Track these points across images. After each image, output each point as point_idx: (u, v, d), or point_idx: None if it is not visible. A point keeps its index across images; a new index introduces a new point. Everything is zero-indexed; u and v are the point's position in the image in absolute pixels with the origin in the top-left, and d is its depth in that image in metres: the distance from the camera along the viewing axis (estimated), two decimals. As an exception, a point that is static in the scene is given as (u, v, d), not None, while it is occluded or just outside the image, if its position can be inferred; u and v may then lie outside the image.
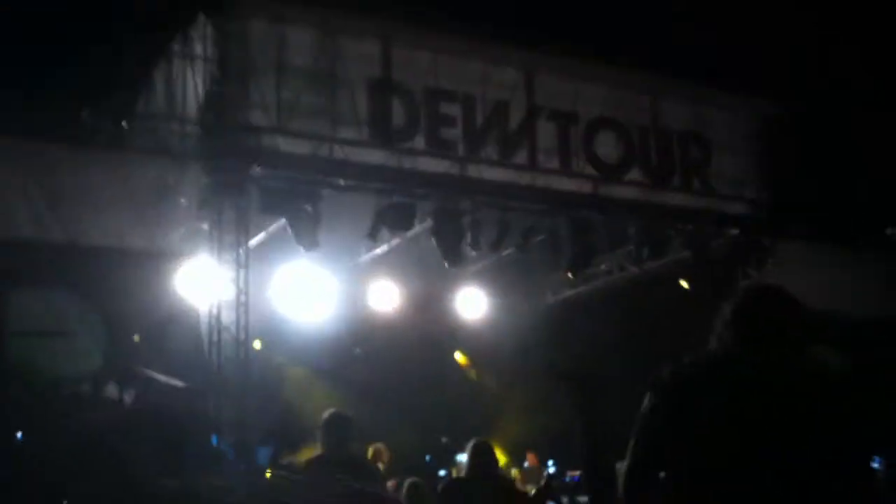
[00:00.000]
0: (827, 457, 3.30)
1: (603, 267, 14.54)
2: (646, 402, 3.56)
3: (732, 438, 3.33)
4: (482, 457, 8.26)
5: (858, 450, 3.42)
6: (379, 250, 13.22)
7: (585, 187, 12.44)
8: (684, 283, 13.52)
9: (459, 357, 17.05)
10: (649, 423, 3.53)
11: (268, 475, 10.20)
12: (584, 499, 13.64)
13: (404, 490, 9.82)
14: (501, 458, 13.56)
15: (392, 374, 15.20)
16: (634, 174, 12.69)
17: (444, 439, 14.45)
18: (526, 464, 15.13)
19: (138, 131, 10.93)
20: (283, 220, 11.36)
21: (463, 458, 10.93)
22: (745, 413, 3.34)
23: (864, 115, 12.76)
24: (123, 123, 10.82)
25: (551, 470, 16.33)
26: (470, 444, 8.39)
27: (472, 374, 17.01)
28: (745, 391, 3.40)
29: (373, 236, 12.16)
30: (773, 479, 3.24)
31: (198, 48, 10.92)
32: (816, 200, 12.91)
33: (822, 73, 12.04)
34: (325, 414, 7.87)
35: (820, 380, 3.49)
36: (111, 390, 12.20)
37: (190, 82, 10.92)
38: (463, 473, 8.20)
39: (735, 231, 13.33)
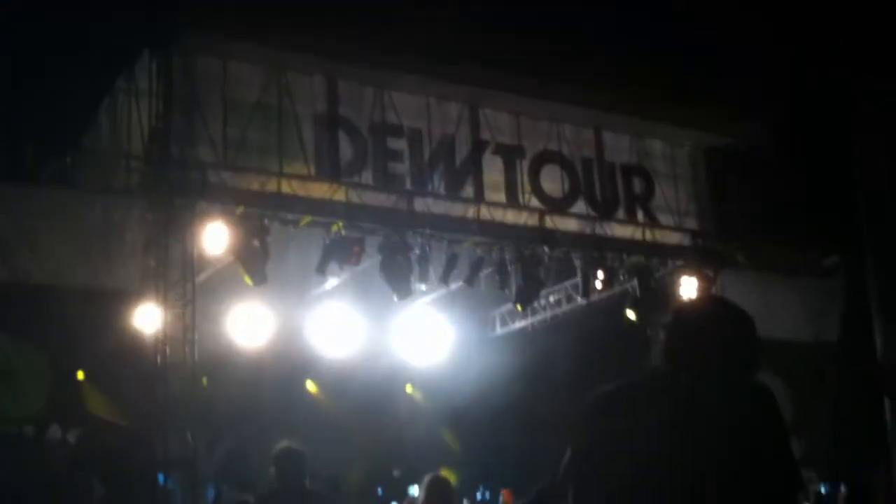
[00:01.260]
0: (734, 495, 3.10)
1: (551, 299, 14.63)
2: (572, 432, 3.39)
3: (641, 470, 3.13)
4: (439, 492, 8.19)
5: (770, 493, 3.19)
6: (328, 285, 13.19)
7: (532, 220, 12.57)
8: (631, 314, 13.66)
9: (409, 389, 17.02)
10: (573, 454, 3.35)
11: None
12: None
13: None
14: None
15: (343, 407, 15.14)
16: (580, 206, 12.84)
17: (395, 472, 14.39)
18: (501, 500, 15.04)
19: (83, 168, 10.83)
20: (230, 256, 11.29)
21: (415, 490, 10.91)
22: (654, 443, 3.13)
23: (805, 145, 13.05)
24: (68, 160, 10.71)
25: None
26: (426, 479, 8.34)
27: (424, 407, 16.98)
28: (660, 418, 3.16)
29: (321, 270, 12.15)
30: None
31: (143, 83, 10.88)
32: (757, 230, 13.14)
33: (762, 105, 12.29)
34: (277, 448, 7.77)
35: (747, 411, 3.22)
36: (55, 431, 12.01)
37: (135, 118, 10.87)
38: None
39: (679, 262, 13.52)
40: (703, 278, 13.41)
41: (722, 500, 3.09)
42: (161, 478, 10.90)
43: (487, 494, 18.32)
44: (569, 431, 3.42)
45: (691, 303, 3.57)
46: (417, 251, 12.16)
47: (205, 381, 14.31)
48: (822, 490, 13.05)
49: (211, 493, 12.86)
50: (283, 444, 7.73)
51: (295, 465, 7.58)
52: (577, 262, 13.32)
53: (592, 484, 3.30)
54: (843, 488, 10.28)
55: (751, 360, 3.29)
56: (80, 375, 12.84)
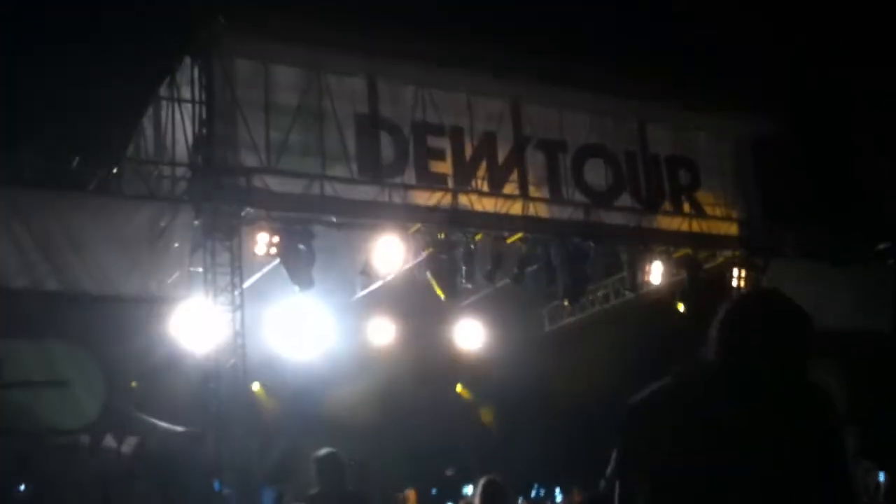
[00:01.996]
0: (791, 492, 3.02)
1: (599, 294, 14.52)
2: (619, 435, 3.29)
3: (694, 470, 3.04)
4: (493, 495, 8.15)
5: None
6: (374, 286, 13.19)
7: (577, 215, 12.48)
8: (680, 306, 13.50)
9: (460, 389, 16.99)
10: (620, 459, 3.26)
11: None
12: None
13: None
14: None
15: (394, 408, 15.13)
16: (625, 200, 12.72)
17: (448, 471, 14.36)
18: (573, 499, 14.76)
19: (128, 176, 10.93)
20: (277, 260, 11.33)
21: (469, 490, 10.87)
22: (708, 441, 3.04)
23: (853, 131, 12.82)
24: (114, 169, 10.82)
25: (559, 499, 16.25)
26: (481, 481, 8.28)
27: (475, 406, 16.93)
28: (714, 416, 3.07)
29: (367, 272, 12.17)
30: None
31: (185, 91, 10.97)
32: (806, 218, 12.92)
33: (807, 92, 12.11)
34: (318, 453, 7.83)
35: (803, 409, 3.13)
36: (109, 439, 12.13)
37: (179, 126, 10.96)
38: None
39: (727, 252, 13.33)
40: (751, 268, 13.22)
41: (774, 496, 3.02)
42: (217, 484, 10.97)
43: (542, 492, 18.24)
44: (615, 435, 3.32)
45: (745, 296, 3.45)
46: (463, 249, 12.13)
47: (256, 386, 14.46)
48: (881, 479, 12.79)
49: (268, 497, 12.90)
50: (323, 451, 7.81)
51: (335, 467, 7.68)
52: (624, 256, 13.20)
53: (639, 488, 3.24)
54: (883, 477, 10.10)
55: (805, 355, 3.20)
56: (133, 384, 12.99)
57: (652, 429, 3.20)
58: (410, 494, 12.12)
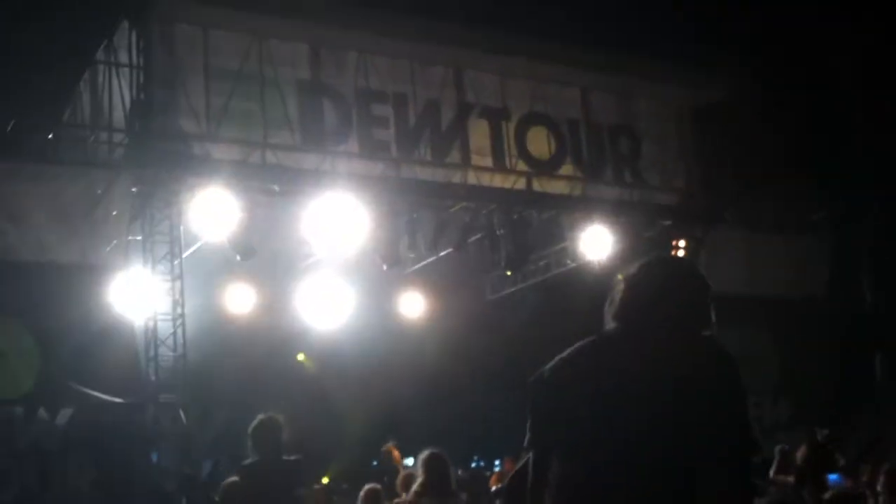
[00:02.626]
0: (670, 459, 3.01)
1: (541, 263, 14.58)
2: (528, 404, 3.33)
3: (582, 432, 3.09)
4: (437, 469, 8.14)
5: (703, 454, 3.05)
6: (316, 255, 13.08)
7: (519, 183, 12.49)
8: (620, 276, 13.59)
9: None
10: (530, 430, 3.31)
11: None
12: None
13: (361, 495, 9.73)
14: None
15: (334, 378, 15.08)
16: (567, 168, 12.77)
17: (388, 443, 14.32)
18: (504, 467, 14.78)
19: (65, 143, 10.68)
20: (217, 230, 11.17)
21: (410, 461, 10.88)
22: (601, 405, 3.06)
23: (791, 101, 13.01)
24: (49, 135, 10.56)
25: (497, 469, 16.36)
26: (422, 455, 8.27)
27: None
28: (599, 379, 3.10)
29: (311, 242, 12.08)
30: (612, 476, 3.02)
31: (123, 56, 10.73)
32: (745, 187, 13.11)
33: (750, 59, 12.24)
34: (256, 420, 7.72)
35: (697, 370, 3.09)
36: (43, 412, 11.90)
37: (116, 91, 10.72)
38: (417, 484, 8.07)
39: (667, 221, 13.47)
40: (690, 238, 13.39)
41: (670, 459, 3.02)
42: (154, 456, 10.85)
43: (482, 463, 18.35)
44: (527, 403, 3.36)
45: (642, 263, 3.47)
46: (406, 219, 12.09)
47: (194, 356, 14.27)
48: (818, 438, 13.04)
49: (207, 468, 12.80)
50: (260, 416, 7.68)
51: (270, 435, 7.52)
52: (566, 225, 13.27)
53: (548, 452, 3.25)
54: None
55: (702, 318, 3.24)
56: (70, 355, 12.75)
57: (556, 397, 3.24)
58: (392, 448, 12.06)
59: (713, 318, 3.26)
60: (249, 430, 7.44)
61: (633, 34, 11.73)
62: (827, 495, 6.50)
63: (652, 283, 3.27)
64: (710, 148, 13.16)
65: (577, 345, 3.29)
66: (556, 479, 3.22)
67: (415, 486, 7.83)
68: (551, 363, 3.29)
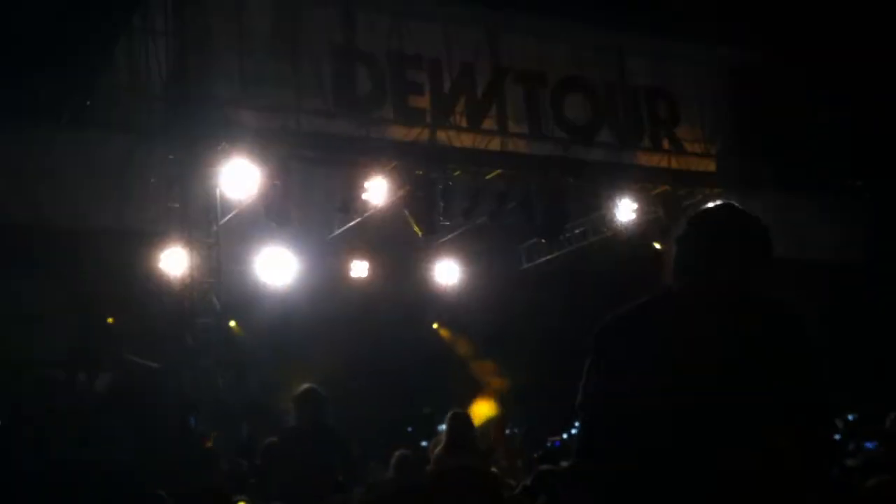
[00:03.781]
0: (750, 408, 2.96)
1: (577, 231, 14.48)
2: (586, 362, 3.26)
3: (651, 389, 3.00)
4: (459, 427, 8.18)
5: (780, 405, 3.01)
6: (352, 223, 13.09)
7: (556, 151, 12.37)
8: (658, 245, 13.50)
9: (437, 327, 17.01)
10: (587, 382, 3.23)
11: None
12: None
13: (393, 461, 9.79)
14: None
15: (371, 346, 15.14)
16: (604, 135, 12.62)
17: (426, 409, 14.41)
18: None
19: (102, 108, 10.73)
20: (253, 196, 11.21)
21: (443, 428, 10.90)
22: (661, 362, 2.99)
23: (830, 67, 12.75)
24: (87, 101, 10.62)
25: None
26: (448, 415, 8.32)
27: (453, 343, 16.97)
28: (664, 337, 3.03)
29: (345, 209, 12.08)
30: (690, 432, 2.95)
31: (158, 21, 10.74)
32: (783, 150, 12.89)
33: (788, 21, 11.99)
34: (299, 389, 7.86)
35: (755, 326, 3.05)
36: (82, 376, 12.07)
37: (152, 57, 10.74)
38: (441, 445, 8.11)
39: (706, 189, 13.29)
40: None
41: (738, 416, 2.97)
42: (192, 420, 10.95)
43: (516, 430, 18.36)
44: (587, 356, 3.28)
45: (703, 213, 3.32)
46: (441, 186, 12.04)
47: (233, 323, 14.41)
48: (850, 417, 12.89)
49: (244, 432, 12.92)
50: (304, 386, 7.82)
51: (312, 406, 7.70)
52: (603, 193, 13.15)
53: (607, 408, 3.21)
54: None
55: (766, 269, 3.13)
56: (110, 320, 12.92)
57: (614, 353, 3.17)
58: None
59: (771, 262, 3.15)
60: (293, 397, 7.61)
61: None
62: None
63: (708, 235, 3.16)
64: (747, 110, 12.92)
65: (635, 303, 3.22)
66: (620, 440, 3.15)
67: (437, 449, 7.90)
68: (608, 320, 3.22)
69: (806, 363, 3.08)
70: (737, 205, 3.31)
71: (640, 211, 13.01)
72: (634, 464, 3.06)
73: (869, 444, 9.62)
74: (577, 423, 3.40)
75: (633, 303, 3.23)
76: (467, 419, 8.43)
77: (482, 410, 16.20)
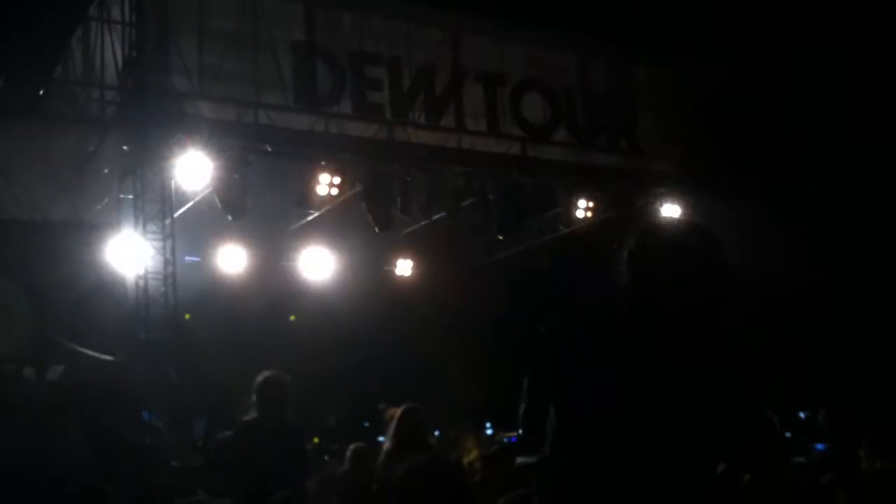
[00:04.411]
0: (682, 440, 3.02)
1: (534, 228, 14.56)
2: (529, 364, 3.33)
3: (592, 404, 3.06)
4: (408, 421, 8.14)
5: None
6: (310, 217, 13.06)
7: (513, 149, 12.45)
8: (613, 244, 13.59)
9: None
10: (529, 387, 3.31)
11: None
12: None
13: (348, 455, 9.78)
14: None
15: (327, 341, 15.11)
16: (561, 135, 12.71)
17: (380, 405, 14.38)
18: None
19: (56, 99, 10.60)
20: (209, 189, 11.15)
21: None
22: (609, 378, 3.03)
23: (788, 69, 12.90)
24: (40, 91, 10.48)
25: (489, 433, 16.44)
26: (400, 410, 8.28)
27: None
28: (625, 349, 3.06)
29: (302, 203, 12.05)
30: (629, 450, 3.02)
31: (115, 13, 10.62)
32: (741, 156, 13.03)
33: (745, 31, 12.12)
34: (260, 377, 7.64)
35: (712, 352, 3.09)
36: (30, 369, 11.90)
37: (109, 48, 10.63)
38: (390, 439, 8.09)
39: (660, 189, 13.44)
40: (683, 206, 13.35)
41: (672, 441, 3.02)
42: (146, 414, 10.86)
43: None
44: (527, 363, 3.33)
45: (657, 228, 3.41)
46: (399, 182, 12.05)
47: (187, 316, 14.29)
48: (801, 416, 13.10)
49: (200, 428, 12.85)
50: (265, 373, 7.60)
51: (276, 394, 7.46)
52: (559, 191, 13.25)
53: (546, 416, 3.27)
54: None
55: (720, 292, 3.14)
56: (63, 314, 12.74)
57: (562, 358, 3.19)
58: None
59: (726, 279, 3.14)
60: (254, 385, 7.37)
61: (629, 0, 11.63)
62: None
63: (660, 250, 3.16)
64: (706, 116, 13.06)
65: (587, 308, 3.25)
66: (559, 435, 3.22)
67: (386, 443, 7.79)
68: (556, 322, 3.24)
69: (740, 379, 3.15)
70: (692, 222, 3.34)
71: (595, 210, 13.11)
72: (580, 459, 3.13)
73: (819, 446, 9.78)
74: (520, 431, 3.45)
75: (584, 307, 3.26)
76: (417, 412, 8.43)
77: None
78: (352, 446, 9.71)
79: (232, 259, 12.72)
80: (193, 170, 10.82)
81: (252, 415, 7.60)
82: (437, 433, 17.52)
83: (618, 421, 3.06)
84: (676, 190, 13.35)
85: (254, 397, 7.56)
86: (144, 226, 10.75)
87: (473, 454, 11.04)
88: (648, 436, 3.03)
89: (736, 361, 3.16)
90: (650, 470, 3.03)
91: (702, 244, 3.20)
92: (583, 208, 13.08)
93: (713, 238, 3.21)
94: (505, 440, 15.53)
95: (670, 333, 3.09)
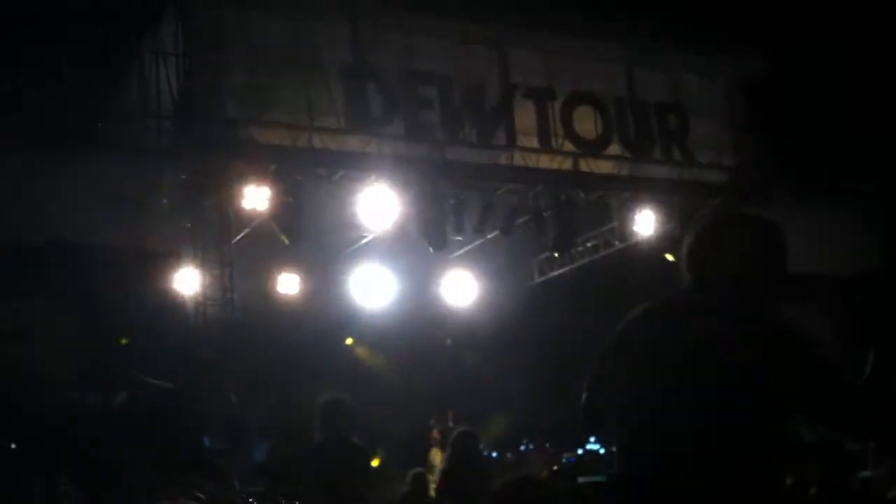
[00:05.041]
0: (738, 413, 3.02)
1: (588, 245, 14.46)
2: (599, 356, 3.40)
3: (653, 386, 3.12)
4: (463, 446, 8.13)
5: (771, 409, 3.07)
6: (365, 240, 13.11)
7: (566, 164, 12.38)
8: (670, 257, 13.47)
9: (449, 342, 16.99)
10: (598, 367, 3.38)
11: None
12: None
13: (408, 479, 9.83)
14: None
15: (384, 362, 15.15)
16: (614, 148, 12.63)
17: (431, 422, 14.36)
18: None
19: (113, 130, 10.79)
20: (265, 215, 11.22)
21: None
22: (665, 363, 3.09)
23: (839, 72, 12.73)
24: (98, 123, 10.68)
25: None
26: (454, 433, 8.28)
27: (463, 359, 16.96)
28: (677, 337, 3.12)
29: (356, 226, 12.10)
30: (683, 431, 3.03)
31: (168, 43, 10.81)
32: (797, 160, 12.85)
33: (791, 34, 12.00)
34: (322, 398, 7.70)
35: (768, 336, 3.08)
36: (94, 395, 12.06)
37: (163, 78, 10.80)
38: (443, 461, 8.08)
39: (717, 200, 13.27)
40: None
41: (734, 429, 3.00)
42: (207, 440, 10.94)
43: (531, 446, 18.33)
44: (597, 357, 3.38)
45: (713, 218, 3.40)
46: (452, 201, 12.06)
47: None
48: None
49: (261, 451, 12.91)
50: (329, 394, 7.66)
51: (340, 415, 7.53)
52: (614, 206, 13.16)
53: (611, 405, 3.27)
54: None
55: (778, 275, 3.18)
56: (124, 340, 12.93)
57: (622, 352, 3.26)
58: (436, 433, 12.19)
59: (785, 275, 3.18)
60: (318, 407, 7.43)
61: (677, 8, 11.54)
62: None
63: (718, 242, 3.22)
64: (760, 121, 12.89)
65: (646, 305, 3.30)
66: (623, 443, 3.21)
67: (441, 465, 7.81)
68: (622, 321, 3.30)
69: (798, 369, 3.09)
70: (750, 212, 3.32)
71: (651, 223, 12.98)
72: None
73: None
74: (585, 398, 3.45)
75: (659, 299, 3.32)
76: (473, 437, 8.42)
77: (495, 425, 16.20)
78: (412, 471, 9.77)
79: (289, 283, 12.79)
80: (251, 196, 10.91)
81: (318, 437, 7.66)
82: (494, 454, 17.52)
83: (679, 414, 3.04)
84: (733, 200, 13.16)
85: (317, 419, 7.63)
86: (203, 253, 10.87)
87: (543, 473, 11.00)
88: (709, 428, 3.00)
89: (800, 353, 3.12)
90: (713, 468, 2.99)
91: (759, 232, 3.20)
92: (638, 222, 12.93)
93: (772, 225, 3.20)
94: (564, 460, 15.45)
95: (730, 322, 3.06)
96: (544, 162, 12.29)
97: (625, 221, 13.05)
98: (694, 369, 3.05)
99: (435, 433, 13.54)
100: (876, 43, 11.82)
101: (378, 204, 11.48)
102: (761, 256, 3.22)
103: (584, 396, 3.45)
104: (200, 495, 7.40)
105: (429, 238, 11.98)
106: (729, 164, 13.20)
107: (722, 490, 2.97)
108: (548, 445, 17.29)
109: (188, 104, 10.66)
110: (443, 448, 12.95)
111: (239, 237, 11.68)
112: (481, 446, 9.66)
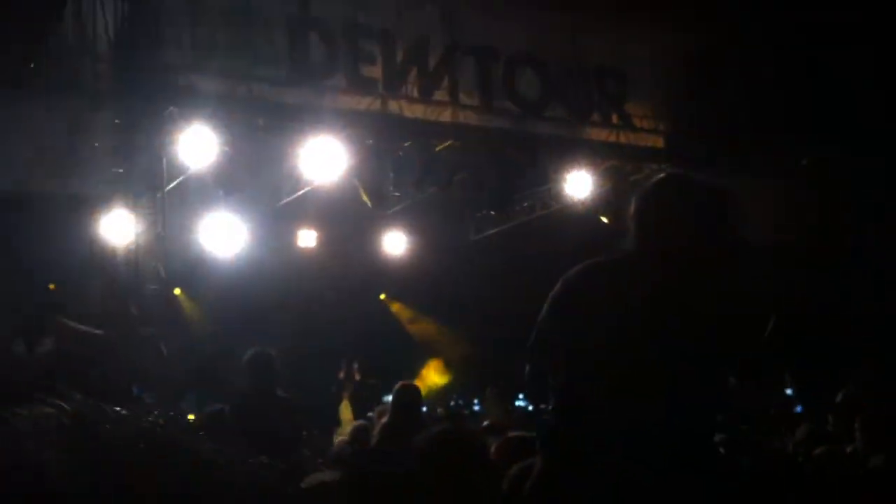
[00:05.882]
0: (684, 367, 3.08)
1: (525, 204, 14.53)
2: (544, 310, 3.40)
3: (601, 344, 3.14)
4: (404, 400, 8.18)
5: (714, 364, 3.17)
6: (301, 192, 12.99)
7: (507, 124, 12.38)
8: (605, 218, 13.61)
9: (383, 297, 17.01)
10: (541, 328, 3.39)
11: None
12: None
13: (352, 431, 9.85)
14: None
15: (319, 317, 15.08)
16: (554, 110, 12.64)
17: (371, 381, 14.40)
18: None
19: (47, 69, 10.48)
20: (201, 163, 11.05)
21: (389, 398, 10.98)
22: (614, 322, 3.11)
23: (779, 46, 12.88)
24: (31, 63, 10.36)
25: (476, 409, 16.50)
26: (395, 388, 8.32)
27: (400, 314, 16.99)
28: (621, 297, 3.14)
29: (294, 178, 11.98)
30: (635, 390, 3.07)
31: (108, -16, 10.50)
32: (734, 131, 13.01)
33: (736, 6, 12.10)
34: (248, 353, 7.75)
35: (716, 299, 3.14)
36: (18, 344, 11.83)
37: (101, 19, 10.49)
38: (386, 417, 8.12)
39: (654, 165, 13.40)
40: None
41: (677, 388, 3.07)
42: (136, 390, 10.83)
43: (461, 402, 18.48)
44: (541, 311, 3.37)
45: (662, 179, 3.42)
46: (391, 157, 12.00)
47: (178, 291, 14.26)
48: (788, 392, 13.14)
49: (190, 402, 12.83)
50: (254, 349, 7.73)
51: (265, 369, 7.61)
52: (551, 167, 13.21)
53: (551, 368, 3.30)
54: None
55: (718, 234, 3.19)
56: (51, 286, 12.68)
57: (566, 307, 3.27)
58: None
59: (737, 229, 3.21)
60: (245, 361, 7.49)
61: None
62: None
63: (664, 202, 3.24)
64: (700, 92, 13.03)
65: (586, 265, 3.32)
66: (565, 395, 3.23)
67: (383, 419, 7.87)
68: (564, 278, 3.32)
69: (743, 327, 3.17)
70: (692, 174, 3.37)
71: (587, 185, 13.07)
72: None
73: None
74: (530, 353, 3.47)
75: (602, 256, 3.37)
76: (416, 391, 8.46)
77: (430, 380, 16.29)
78: (355, 423, 9.81)
79: (224, 233, 12.62)
80: (185, 144, 10.72)
81: (243, 390, 7.75)
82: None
83: (619, 367, 3.08)
84: (671, 165, 13.30)
85: (244, 374, 7.70)
86: (135, 200, 10.68)
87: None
88: (650, 382, 3.05)
89: (748, 314, 3.19)
90: (653, 420, 3.04)
91: (708, 195, 3.25)
92: (575, 184, 13.01)
93: (721, 189, 3.24)
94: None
95: (677, 280, 3.11)
96: (485, 121, 12.26)
97: (562, 182, 13.12)
98: (640, 326, 3.07)
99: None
100: (817, 16, 11.97)
101: (320, 157, 11.34)
102: (708, 219, 3.24)
103: (527, 368, 3.46)
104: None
105: (369, 193, 11.91)
106: (666, 131, 13.31)
107: (666, 449, 3.03)
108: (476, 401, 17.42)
109: (126, 48, 10.39)
110: (351, 402, 13.08)
111: (173, 184, 11.48)
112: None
